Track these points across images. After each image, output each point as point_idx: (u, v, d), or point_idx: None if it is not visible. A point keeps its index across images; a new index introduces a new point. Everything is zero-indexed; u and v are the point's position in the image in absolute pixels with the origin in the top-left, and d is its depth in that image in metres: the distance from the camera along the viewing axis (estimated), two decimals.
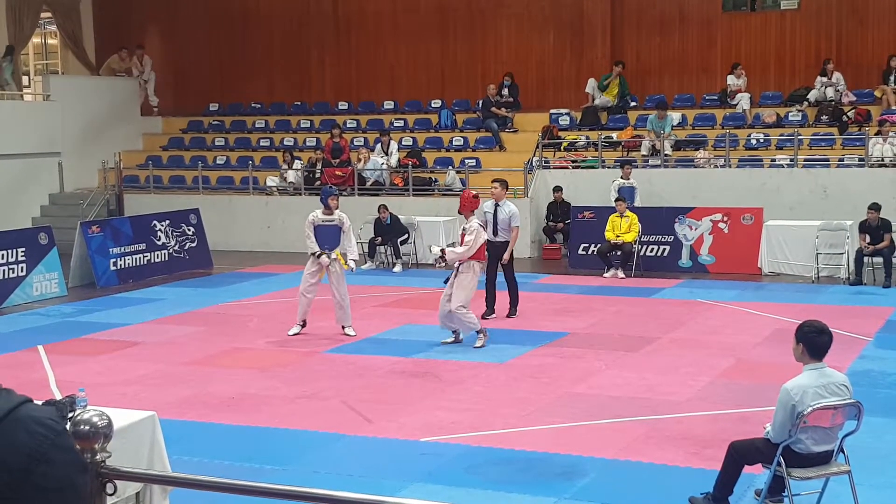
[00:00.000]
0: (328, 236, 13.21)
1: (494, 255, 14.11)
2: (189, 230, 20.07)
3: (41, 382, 11.05)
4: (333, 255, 13.15)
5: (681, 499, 7.21)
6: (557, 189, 20.44)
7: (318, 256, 13.15)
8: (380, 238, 19.56)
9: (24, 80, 27.10)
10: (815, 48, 22.90)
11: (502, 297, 14.49)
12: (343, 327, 13.39)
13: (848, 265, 16.99)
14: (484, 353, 12.26)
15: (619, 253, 18.04)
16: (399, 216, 19.76)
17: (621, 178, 19.73)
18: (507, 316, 14.39)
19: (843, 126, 21.05)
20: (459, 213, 13.18)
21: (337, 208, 13.28)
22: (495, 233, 14.12)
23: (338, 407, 10.07)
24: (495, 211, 14.20)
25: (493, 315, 14.37)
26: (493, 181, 14.60)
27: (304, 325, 13.55)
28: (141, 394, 10.49)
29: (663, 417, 9.51)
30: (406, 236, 19.66)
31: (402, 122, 25.20)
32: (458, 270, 12.54)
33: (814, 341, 6.60)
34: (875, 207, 16.77)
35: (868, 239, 16.74)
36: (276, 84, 27.18)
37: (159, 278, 18.71)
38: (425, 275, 18.68)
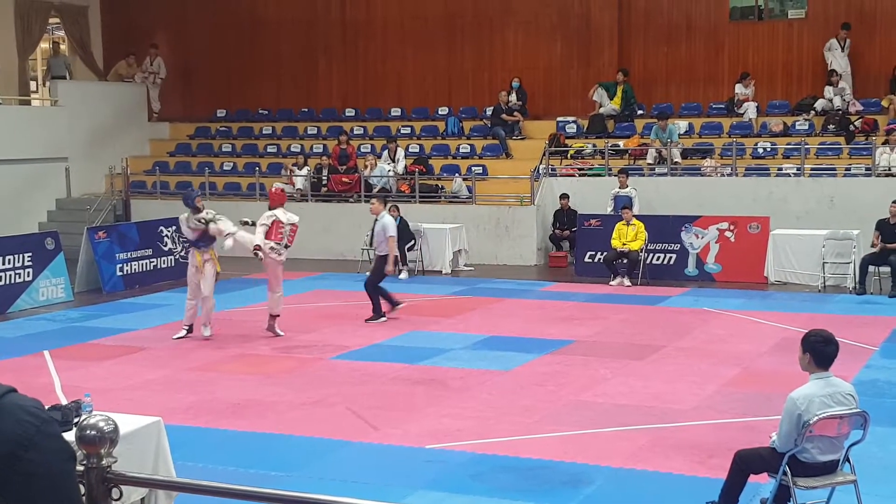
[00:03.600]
0: (204, 235, 13.76)
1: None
2: None
3: (47, 387, 11.06)
4: (207, 256, 13.76)
5: None
6: (564, 196, 20.44)
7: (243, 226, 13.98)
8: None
9: (32, 85, 27.18)
10: (822, 57, 22.86)
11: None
12: (203, 324, 13.79)
13: (854, 274, 16.96)
14: (490, 360, 12.26)
15: (625, 261, 18.03)
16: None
17: (619, 187, 19.74)
18: (367, 321, 14.76)
19: (850, 135, 21.03)
20: (271, 208, 13.96)
21: (203, 209, 13.83)
22: (373, 245, 15.07)
23: (343, 413, 10.07)
24: (374, 225, 15.01)
25: (384, 318, 14.82)
26: (371, 199, 15.78)
27: (190, 330, 13.97)
28: (146, 399, 10.50)
29: (669, 426, 9.49)
30: (412, 243, 19.66)
31: (409, 129, 25.22)
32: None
33: (820, 350, 6.58)
34: None
35: (880, 238, 16.66)
36: (284, 90, 27.22)
37: (165, 284, 18.72)
38: (431, 282, 18.69)
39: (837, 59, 22.11)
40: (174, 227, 19.66)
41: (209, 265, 13.77)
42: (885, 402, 10.07)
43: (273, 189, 14.34)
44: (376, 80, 26.45)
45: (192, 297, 13.88)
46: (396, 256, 15.13)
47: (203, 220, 13.59)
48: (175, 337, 13.84)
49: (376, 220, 14.88)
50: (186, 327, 13.95)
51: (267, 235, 13.63)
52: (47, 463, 1.94)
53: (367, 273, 15.16)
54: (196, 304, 13.88)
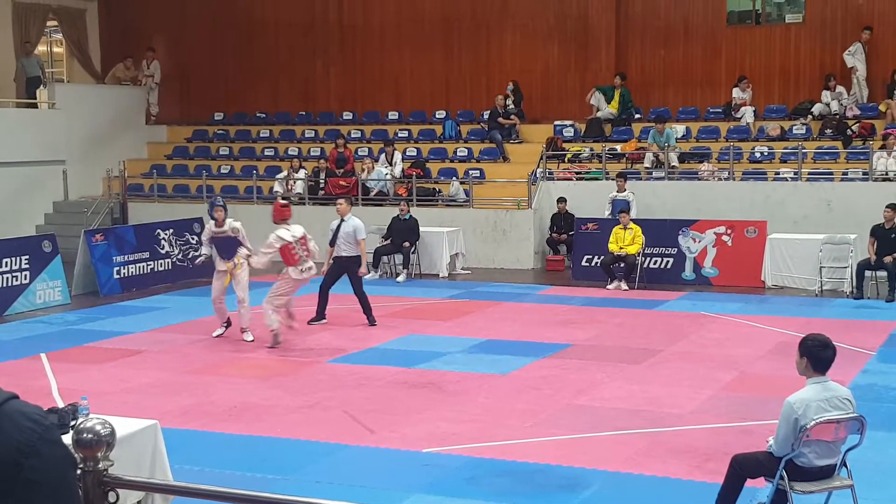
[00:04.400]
0: (225, 246, 13.79)
1: (338, 266, 14.65)
2: (193, 239, 20.05)
3: (44, 390, 11.05)
4: (234, 261, 13.69)
5: None
6: (561, 200, 20.44)
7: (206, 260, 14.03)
8: (390, 240, 19.51)
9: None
10: (819, 62, 22.89)
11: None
12: (242, 329, 13.77)
13: (851, 279, 16.96)
14: (486, 364, 12.26)
15: (622, 265, 18.03)
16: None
17: (617, 191, 19.74)
18: (370, 325, 14.71)
19: (848, 140, 21.04)
20: (275, 222, 13.70)
21: (224, 219, 13.76)
22: (336, 246, 14.64)
23: (340, 417, 10.06)
24: (339, 226, 14.63)
25: (324, 321, 14.80)
26: (338, 197, 15.60)
27: (228, 325, 14.10)
28: (143, 402, 10.49)
29: (666, 430, 9.49)
30: (415, 246, 19.67)
31: (407, 132, 25.23)
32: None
33: (817, 355, 6.58)
34: (892, 207, 16.63)
35: (875, 246, 16.64)
36: (281, 94, 27.23)
37: (162, 287, 18.71)
38: (429, 285, 18.68)
39: (861, 62, 22.01)
40: (171, 230, 19.69)
41: (243, 271, 13.72)
42: (883, 407, 10.07)
43: (277, 203, 14.08)
44: (374, 84, 26.46)
45: (216, 300, 13.99)
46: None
47: (219, 234, 13.66)
48: (215, 334, 13.94)
49: (343, 220, 14.64)
50: (224, 325, 14.08)
51: (286, 261, 13.38)
52: (49, 470, 1.94)
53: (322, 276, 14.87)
54: (221, 304, 13.98)
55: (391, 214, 19.99)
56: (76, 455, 2.91)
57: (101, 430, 2.99)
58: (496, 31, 25.26)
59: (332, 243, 14.64)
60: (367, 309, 14.78)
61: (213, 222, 13.92)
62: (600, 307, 16.19)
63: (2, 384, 2.03)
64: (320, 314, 14.92)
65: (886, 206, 16.79)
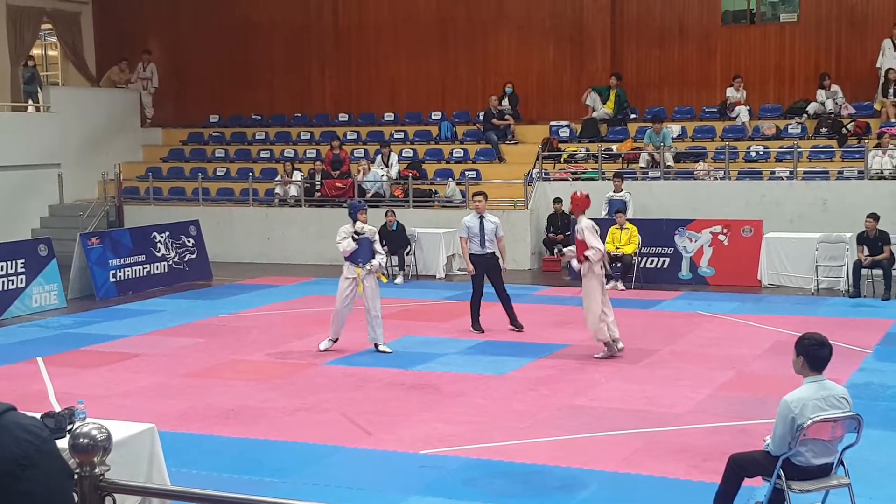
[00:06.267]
0: (361, 249, 12.94)
1: (485, 265, 14.26)
2: (189, 242, 20.07)
3: (40, 394, 11.04)
4: (368, 268, 12.91)
5: None
6: (557, 201, 20.45)
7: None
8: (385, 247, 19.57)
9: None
10: (814, 61, 22.92)
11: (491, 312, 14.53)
12: (376, 345, 13.10)
13: (847, 277, 16.98)
14: (484, 365, 12.26)
15: (618, 265, 18.03)
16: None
17: (613, 191, 19.74)
18: (515, 329, 14.32)
19: (843, 138, 21.06)
20: (571, 213, 12.95)
21: (365, 222, 13.09)
22: (482, 244, 14.22)
23: (337, 419, 10.06)
24: (481, 223, 14.25)
25: (483, 332, 14.28)
26: (476, 194, 14.82)
27: (336, 341, 13.26)
28: (140, 406, 10.47)
29: (663, 430, 9.49)
30: (408, 248, 19.67)
31: (403, 133, 25.22)
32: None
33: (814, 354, 6.59)
34: (873, 217, 16.75)
35: (866, 251, 16.71)
36: (277, 96, 27.21)
37: (159, 290, 18.70)
38: (426, 286, 18.68)
39: (890, 58, 21.97)
40: (167, 233, 19.67)
41: (371, 279, 12.91)
42: (879, 405, 10.09)
43: (578, 194, 13.10)
44: (369, 85, 26.46)
45: (338, 306, 13.01)
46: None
47: (357, 233, 12.84)
48: (323, 347, 13.07)
49: (482, 217, 14.33)
50: (333, 339, 13.18)
51: (582, 254, 12.57)
52: (46, 482, 1.94)
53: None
54: (344, 316, 13.04)
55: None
56: (73, 460, 2.91)
57: (97, 435, 2.99)
58: (492, 32, 25.27)
59: (483, 242, 14.20)
60: (511, 311, 14.38)
61: (348, 225, 12.97)
62: None
63: None
64: (477, 322, 14.45)
65: (867, 217, 16.79)
